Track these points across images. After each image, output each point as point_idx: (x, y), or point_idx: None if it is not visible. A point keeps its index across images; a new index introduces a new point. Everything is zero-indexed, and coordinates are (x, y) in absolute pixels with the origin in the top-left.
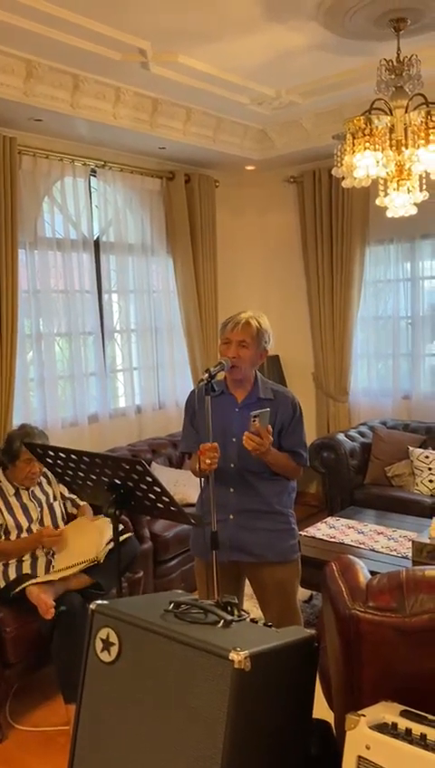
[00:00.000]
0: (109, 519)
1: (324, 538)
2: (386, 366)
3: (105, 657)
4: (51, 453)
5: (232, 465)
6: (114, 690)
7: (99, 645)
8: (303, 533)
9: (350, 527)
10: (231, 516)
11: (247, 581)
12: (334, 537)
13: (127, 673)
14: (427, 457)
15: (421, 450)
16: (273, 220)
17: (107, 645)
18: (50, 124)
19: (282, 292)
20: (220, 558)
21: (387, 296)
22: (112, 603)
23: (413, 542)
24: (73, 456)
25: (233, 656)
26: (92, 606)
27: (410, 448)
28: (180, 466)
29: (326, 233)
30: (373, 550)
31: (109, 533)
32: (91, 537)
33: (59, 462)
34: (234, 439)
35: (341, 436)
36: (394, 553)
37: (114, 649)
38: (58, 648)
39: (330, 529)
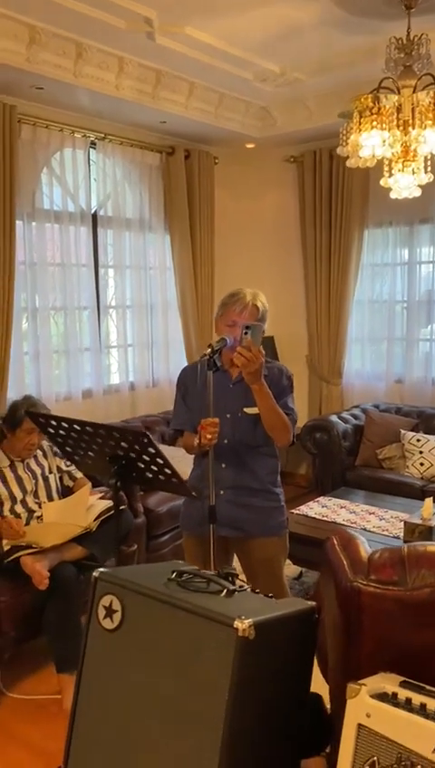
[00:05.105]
0: (88, 488)
1: (316, 516)
2: (380, 349)
3: (108, 624)
4: (53, 423)
5: (226, 441)
6: (116, 657)
7: (101, 612)
8: (295, 511)
9: (341, 507)
10: (222, 492)
11: (235, 556)
12: (326, 516)
13: (129, 640)
14: (418, 441)
15: (413, 433)
16: (271, 199)
17: (110, 612)
18: (51, 93)
19: (278, 272)
20: (208, 533)
21: (383, 280)
22: (115, 571)
23: (405, 522)
24: (76, 427)
25: (237, 624)
26: (95, 573)
27: (402, 431)
28: (173, 443)
29: (325, 214)
30: (365, 529)
31: (92, 500)
32: (77, 508)
33: (61, 432)
34: (228, 415)
35: (334, 418)
36: (386, 533)
37: (117, 617)
38: (51, 619)
39: (322, 508)
